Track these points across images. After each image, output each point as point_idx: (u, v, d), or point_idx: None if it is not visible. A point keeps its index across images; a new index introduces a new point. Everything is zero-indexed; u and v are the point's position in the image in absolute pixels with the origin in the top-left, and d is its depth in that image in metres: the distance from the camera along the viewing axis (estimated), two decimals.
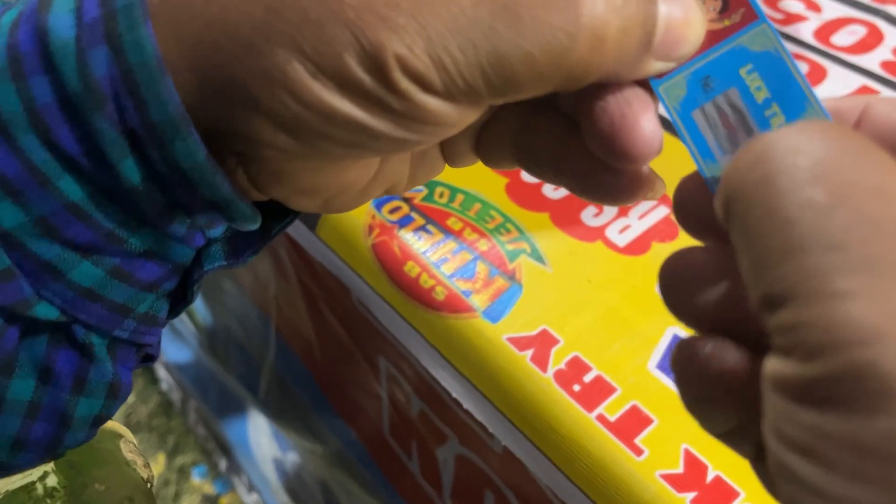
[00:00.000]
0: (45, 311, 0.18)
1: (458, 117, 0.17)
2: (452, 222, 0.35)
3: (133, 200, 0.17)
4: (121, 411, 1.35)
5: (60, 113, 0.16)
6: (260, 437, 0.88)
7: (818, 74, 0.42)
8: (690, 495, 0.27)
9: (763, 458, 0.14)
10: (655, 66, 0.17)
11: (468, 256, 0.34)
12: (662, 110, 0.17)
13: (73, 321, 0.19)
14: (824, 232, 0.12)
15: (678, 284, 0.16)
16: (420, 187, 0.37)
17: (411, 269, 0.34)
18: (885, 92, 0.41)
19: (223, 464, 1.16)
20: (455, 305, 0.32)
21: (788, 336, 0.12)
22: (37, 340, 0.19)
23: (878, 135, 0.15)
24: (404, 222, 0.35)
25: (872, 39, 0.44)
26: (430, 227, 0.35)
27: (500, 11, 0.15)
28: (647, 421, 0.29)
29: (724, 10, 0.17)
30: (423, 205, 0.36)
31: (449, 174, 0.29)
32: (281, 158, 0.18)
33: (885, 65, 0.43)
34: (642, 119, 0.16)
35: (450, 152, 0.22)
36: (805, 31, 0.44)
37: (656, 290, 0.33)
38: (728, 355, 0.15)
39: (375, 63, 0.15)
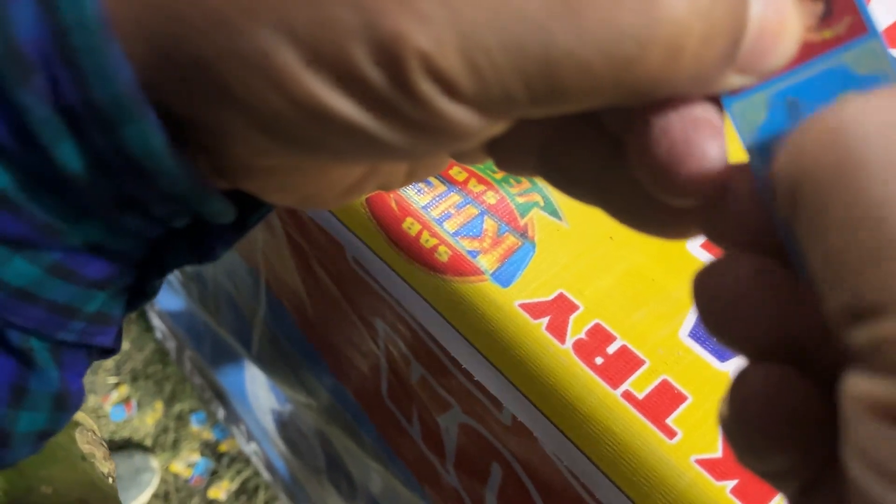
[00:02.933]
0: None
1: (484, 129, 0.13)
2: (455, 172, 0.31)
3: (73, 190, 0.13)
4: (112, 360, 1.32)
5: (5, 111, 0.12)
6: (257, 389, 0.86)
7: None
8: (731, 483, 0.24)
9: (812, 492, 0.12)
10: (735, 79, 0.13)
11: (474, 211, 0.30)
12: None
13: (7, 325, 0.15)
14: None
15: (723, 308, 0.13)
16: None
17: (411, 226, 0.30)
18: None
19: (221, 412, 1.14)
20: (460, 267, 0.29)
21: (884, 351, 0.10)
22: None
23: None
24: None
25: None
26: (430, 178, 0.31)
27: (558, 5, 0.11)
28: (679, 398, 0.25)
29: (827, 18, 0.13)
30: None
31: None
32: (254, 156, 0.14)
33: None
34: (709, 146, 0.13)
35: (457, 152, 0.18)
36: None
37: (688, 247, 0.30)
38: (797, 386, 0.12)
39: (391, 57, 0.11)
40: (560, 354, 0.26)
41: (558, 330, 0.27)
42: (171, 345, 1.22)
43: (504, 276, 0.28)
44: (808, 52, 0.13)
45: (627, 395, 0.26)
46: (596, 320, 0.27)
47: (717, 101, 0.13)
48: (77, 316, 0.16)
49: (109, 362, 1.31)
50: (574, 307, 0.28)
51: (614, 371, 0.26)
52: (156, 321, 1.21)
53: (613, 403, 0.25)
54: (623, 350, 0.27)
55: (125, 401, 1.29)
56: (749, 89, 0.13)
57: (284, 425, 0.82)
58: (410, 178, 0.19)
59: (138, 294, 0.17)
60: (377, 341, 0.40)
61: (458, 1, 0.11)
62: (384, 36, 0.11)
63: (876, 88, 0.12)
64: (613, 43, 0.11)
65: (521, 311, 0.27)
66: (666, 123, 0.13)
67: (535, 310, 0.27)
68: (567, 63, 0.11)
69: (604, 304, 0.28)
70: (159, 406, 1.29)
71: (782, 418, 0.12)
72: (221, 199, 0.15)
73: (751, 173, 0.13)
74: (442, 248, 0.29)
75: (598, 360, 0.26)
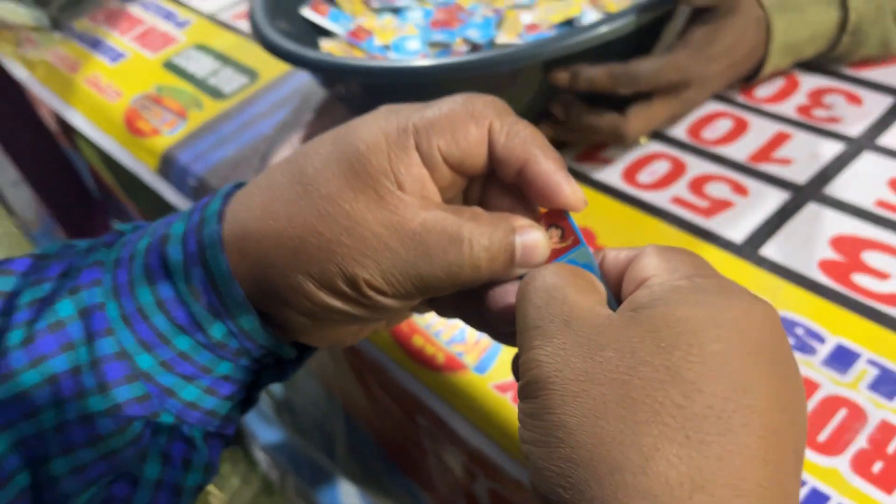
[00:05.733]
0: (166, 417, 0.28)
1: (403, 306, 0.27)
2: None
3: (218, 347, 0.28)
4: (228, 494, 1.46)
5: (176, 303, 0.27)
6: (352, 502, 0.97)
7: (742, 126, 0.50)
8: None
9: None
10: (521, 271, 0.26)
11: (460, 324, 0.43)
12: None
13: (182, 423, 0.29)
14: (533, 320, 0.23)
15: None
16: None
17: (416, 340, 0.43)
18: (798, 133, 0.48)
19: None
20: (452, 365, 0.41)
21: (522, 365, 0.22)
22: (160, 436, 0.29)
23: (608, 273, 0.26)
24: None
25: (789, 87, 0.52)
26: None
27: (421, 253, 0.25)
28: None
29: (563, 237, 0.27)
30: None
31: None
32: (301, 327, 0.28)
33: (800, 109, 0.50)
34: (508, 299, 0.26)
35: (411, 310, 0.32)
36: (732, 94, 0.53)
37: None
38: None
39: (352, 283, 0.26)
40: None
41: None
42: (274, 475, 1.35)
43: (482, 367, 0.41)
44: (558, 253, 0.26)
45: None
46: None
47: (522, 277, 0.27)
48: (217, 416, 0.30)
49: (224, 496, 1.45)
50: None
51: None
52: (259, 455, 1.36)
53: None
54: None
55: None
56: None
57: None
58: (389, 326, 0.33)
59: (248, 403, 0.31)
60: (441, 454, 0.52)
61: (378, 257, 0.25)
62: (349, 274, 0.25)
63: (577, 268, 0.26)
64: (447, 267, 0.25)
65: (493, 390, 0.40)
66: (492, 292, 0.26)
67: (503, 387, 0.40)
68: (429, 276, 0.25)
69: None
70: None
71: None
72: (288, 347, 0.29)
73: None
74: (439, 354, 0.42)
75: None
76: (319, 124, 0.63)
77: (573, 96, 0.48)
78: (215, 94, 0.68)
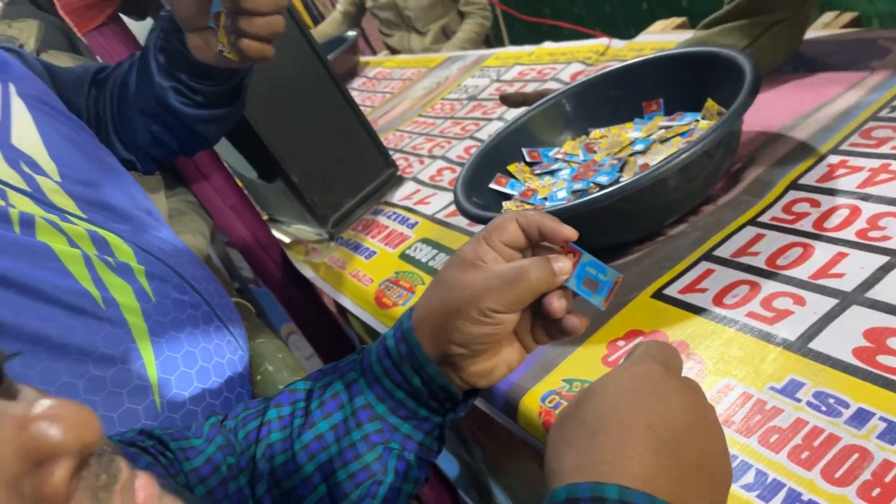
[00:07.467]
0: (395, 444, 0.51)
1: (512, 318, 0.49)
2: None
3: (419, 394, 0.50)
4: None
5: (393, 370, 0.51)
6: None
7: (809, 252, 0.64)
8: None
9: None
10: (560, 279, 0.48)
11: None
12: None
13: (403, 449, 0.51)
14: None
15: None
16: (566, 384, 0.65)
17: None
18: (853, 252, 0.61)
19: None
20: None
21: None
22: (392, 458, 0.51)
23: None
24: (555, 406, 0.63)
25: (853, 216, 0.65)
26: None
27: (508, 284, 0.47)
28: None
29: (574, 256, 0.49)
30: (571, 395, 0.64)
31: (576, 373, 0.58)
32: (461, 361, 0.50)
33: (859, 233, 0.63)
34: (562, 303, 0.48)
35: (522, 343, 0.53)
36: (806, 223, 0.67)
37: None
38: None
39: (483, 312, 0.47)
40: None
41: None
42: None
43: None
44: (575, 263, 0.49)
45: None
46: None
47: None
48: (423, 447, 0.51)
49: None
50: None
51: None
52: None
53: None
54: None
55: None
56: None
57: None
58: (513, 367, 0.53)
59: (441, 440, 0.53)
60: None
61: (491, 294, 0.47)
62: (481, 308, 0.47)
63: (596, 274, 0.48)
64: (523, 288, 0.47)
65: None
66: (546, 298, 0.49)
67: None
68: (516, 295, 0.47)
69: None
70: None
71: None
72: (455, 387, 0.51)
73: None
74: None
75: None
76: None
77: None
78: (433, 272, 0.94)
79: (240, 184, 1.33)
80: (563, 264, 0.48)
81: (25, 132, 0.70)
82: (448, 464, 1.33)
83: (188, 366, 0.69)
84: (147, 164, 0.88)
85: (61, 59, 1.24)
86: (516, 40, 3.53)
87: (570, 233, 0.48)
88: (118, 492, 0.24)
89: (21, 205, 0.64)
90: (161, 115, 0.79)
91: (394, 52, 2.94)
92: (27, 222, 0.63)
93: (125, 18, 1.13)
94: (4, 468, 0.21)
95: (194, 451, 0.50)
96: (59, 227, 0.65)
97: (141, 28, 1.16)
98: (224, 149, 1.26)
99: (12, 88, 0.73)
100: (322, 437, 0.49)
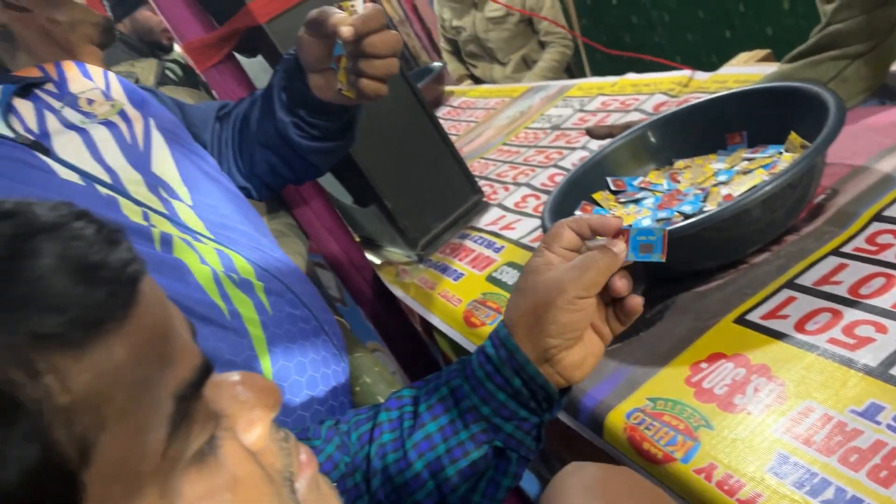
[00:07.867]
0: (498, 442, 0.56)
1: (594, 303, 0.55)
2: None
3: (519, 394, 0.55)
4: None
5: (496, 374, 0.56)
6: None
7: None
8: None
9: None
10: (622, 256, 0.54)
11: (673, 432, 0.64)
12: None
13: (505, 447, 0.56)
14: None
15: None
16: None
17: (644, 445, 0.65)
18: None
19: None
20: (666, 458, 0.62)
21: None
22: (500, 458, 0.56)
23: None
24: (640, 422, 0.67)
25: None
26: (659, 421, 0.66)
27: (581, 273, 0.54)
28: None
29: (619, 234, 0.55)
30: (655, 413, 0.68)
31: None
32: (558, 353, 0.55)
33: None
34: (624, 283, 0.54)
35: (600, 335, 0.58)
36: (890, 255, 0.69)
37: None
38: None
39: (570, 300, 0.54)
40: None
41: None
42: None
43: (686, 458, 0.61)
44: (626, 240, 0.55)
45: None
46: None
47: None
48: (522, 445, 0.56)
49: None
50: None
51: None
52: None
53: None
54: None
55: None
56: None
57: None
58: (599, 358, 0.58)
59: (538, 440, 0.58)
60: None
61: (570, 283, 0.53)
62: (567, 298, 0.53)
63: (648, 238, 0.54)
64: (593, 272, 0.54)
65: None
66: (612, 279, 0.55)
67: (700, 471, 0.59)
68: (590, 278, 0.54)
69: None
70: None
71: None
72: (553, 386, 0.56)
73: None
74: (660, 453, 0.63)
75: None
76: None
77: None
78: None
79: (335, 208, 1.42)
80: (618, 246, 0.55)
81: (164, 161, 0.80)
82: (529, 483, 1.36)
83: (299, 374, 0.76)
84: (262, 192, 0.96)
85: (179, 94, 1.36)
86: (598, 70, 3.57)
87: (616, 223, 0.55)
88: (293, 446, 0.32)
89: (161, 225, 0.73)
90: (280, 147, 0.87)
91: (477, 81, 3.02)
92: (166, 241, 0.72)
93: (238, 56, 1.23)
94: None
95: (315, 450, 0.56)
96: (192, 245, 0.74)
97: (251, 65, 1.27)
98: (323, 177, 1.35)
99: (152, 123, 0.83)
100: (430, 437, 0.54)
